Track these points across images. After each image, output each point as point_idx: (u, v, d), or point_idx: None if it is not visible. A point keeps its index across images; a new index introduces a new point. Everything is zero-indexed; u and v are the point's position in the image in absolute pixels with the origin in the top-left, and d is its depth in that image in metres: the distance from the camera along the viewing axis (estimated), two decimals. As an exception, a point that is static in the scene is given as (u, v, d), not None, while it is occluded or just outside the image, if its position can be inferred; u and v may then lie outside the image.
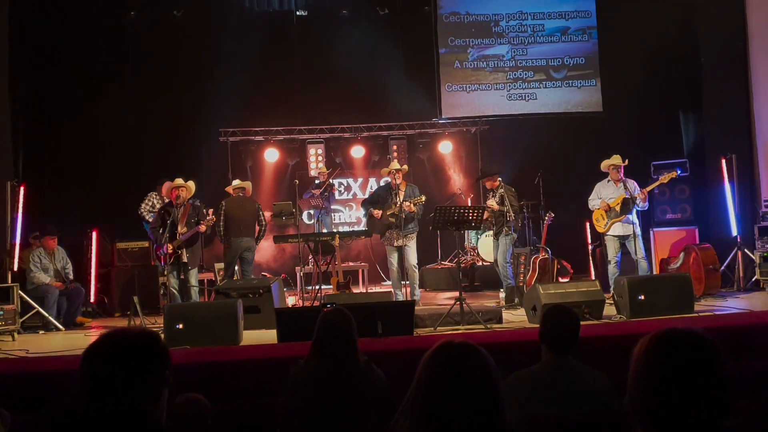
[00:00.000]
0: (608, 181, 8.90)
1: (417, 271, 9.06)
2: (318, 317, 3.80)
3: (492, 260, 9.51)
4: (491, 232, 9.42)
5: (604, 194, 8.85)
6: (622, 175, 8.74)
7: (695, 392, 1.76)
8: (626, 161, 8.81)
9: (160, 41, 12.06)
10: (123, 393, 1.93)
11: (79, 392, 1.95)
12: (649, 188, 8.74)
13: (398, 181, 8.99)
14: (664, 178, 8.71)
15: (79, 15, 11.40)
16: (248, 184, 9.90)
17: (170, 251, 8.45)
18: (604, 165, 8.92)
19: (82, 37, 11.55)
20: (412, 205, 8.78)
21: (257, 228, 9.46)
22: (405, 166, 9.47)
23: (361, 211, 9.83)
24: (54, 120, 11.29)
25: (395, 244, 8.95)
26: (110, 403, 1.90)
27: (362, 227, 12.99)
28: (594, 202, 8.97)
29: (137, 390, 1.95)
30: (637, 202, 8.53)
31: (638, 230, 8.67)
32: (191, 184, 8.84)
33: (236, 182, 9.90)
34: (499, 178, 9.10)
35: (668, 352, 1.82)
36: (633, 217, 8.67)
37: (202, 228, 8.61)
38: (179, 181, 8.76)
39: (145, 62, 11.94)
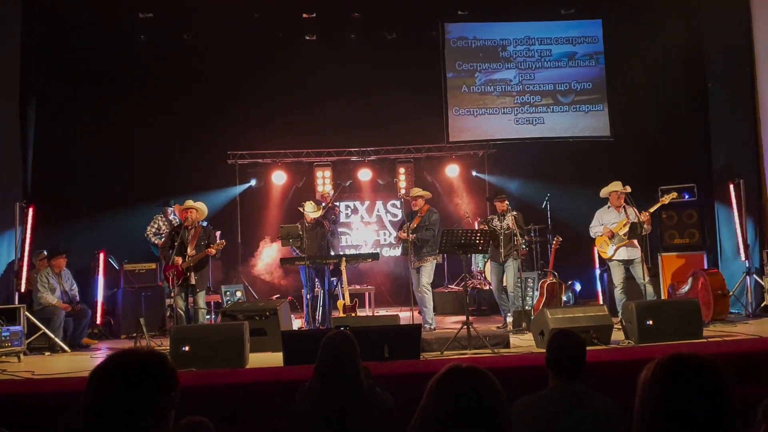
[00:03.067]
0: (608, 207, 8.89)
1: (427, 293, 8.98)
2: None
3: (493, 285, 9.43)
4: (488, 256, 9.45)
5: (605, 220, 8.84)
6: (623, 200, 8.73)
7: (701, 418, 1.74)
8: (627, 187, 8.78)
9: (169, 64, 12.18)
10: (129, 414, 1.90)
11: (84, 413, 1.93)
12: (651, 209, 8.69)
13: (416, 208, 9.15)
14: (665, 199, 8.69)
15: (89, 39, 11.54)
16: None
17: (178, 265, 8.40)
18: (604, 192, 8.94)
19: (91, 60, 11.70)
20: (404, 233, 9.01)
21: None
22: (425, 193, 9.44)
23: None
24: (63, 142, 11.38)
25: (412, 266, 9.09)
26: (115, 425, 1.88)
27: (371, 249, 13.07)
28: (596, 229, 8.95)
29: (143, 411, 1.92)
30: (644, 226, 8.50)
31: (640, 254, 8.63)
32: (203, 205, 8.86)
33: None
34: (507, 203, 9.10)
35: (674, 378, 1.81)
36: (636, 241, 8.64)
37: (212, 251, 8.60)
38: (189, 202, 8.79)
39: (155, 85, 12.06)
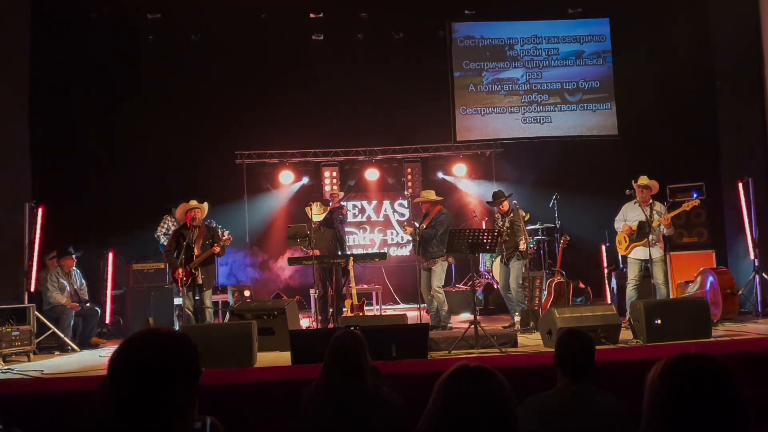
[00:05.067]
0: (635, 202, 8.68)
1: (440, 294, 8.91)
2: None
3: (500, 285, 9.41)
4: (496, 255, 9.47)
5: (629, 217, 8.69)
6: (648, 197, 8.62)
7: (710, 418, 1.74)
8: (652, 182, 8.66)
9: (177, 65, 12.22)
10: (155, 403, 1.74)
11: (107, 405, 1.76)
12: (671, 214, 8.54)
13: (425, 211, 9.22)
14: (687, 205, 8.55)
15: (98, 40, 11.61)
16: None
17: (186, 273, 8.43)
18: (635, 185, 8.73)
19: (100, 61, 11.76)
20: (410, 227, 9.19)
21: None
22: (429, 196, 9.42)
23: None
24: (72, 142, 11.44)
25: (423, 266, 9.06)
26: (141, 416, 1.73)
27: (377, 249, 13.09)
28: (619, 224, 8.83)
29: (169, 396, 1.76)
30: (661, 228, 8.44)
31: (661, 254, 8.57)
32: (205, 205, 8.88)
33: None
34: (513, 202, 9.09)
35: (682, 378, 1.80)
36: (661, 241, 8.56)
37: (216, 249, 8.60)
38: (193, 203, 8.80)
39: (163, 86, 12.11)
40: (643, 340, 7.00)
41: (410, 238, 9.49)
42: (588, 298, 10.54)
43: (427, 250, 8.94)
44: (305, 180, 13.37)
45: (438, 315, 8.89)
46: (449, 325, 8.83)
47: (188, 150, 12.02)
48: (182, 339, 1.86)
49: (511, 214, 8.98)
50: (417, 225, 9.11)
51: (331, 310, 9.39)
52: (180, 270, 8.37)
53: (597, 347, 3.53)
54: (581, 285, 10.44)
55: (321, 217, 9.67)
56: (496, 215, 9.50)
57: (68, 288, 9.25)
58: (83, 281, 9.57)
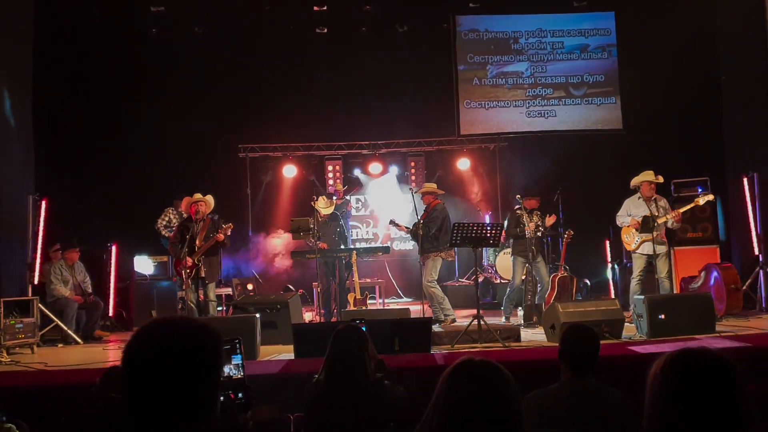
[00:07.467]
0: (639, 197, 8.64)
1: (433, 289, 8.87)
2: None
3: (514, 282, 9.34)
4: (509, 250, 9.47)
5: (634, 212, 8.63)
6: (655, 191, 8.56)
7: (712, 414, 1.73)
8: (659, 177, 8.60)
9: (180, 58, 12.19)
10: (175, 401, 1.59)
11: (119, 402, 1.63)
12: (682, 210, 8.47)
13: (425, 203, 9.17)
14: (699, 200, 8.53)
15: (102, 32, 11.58)
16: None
17: (190, 264, 8.42)
18: (636, 181, 8.68)
19: (104, 54, 11.74)
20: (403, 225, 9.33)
21: None
22: (430, 188, 9.39)
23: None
24: (75, 135, 11.44)
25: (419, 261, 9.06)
26: (159, 411, 1.59)
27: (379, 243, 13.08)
28: (623, 219, 8.76)
29: (191, 395, 1.61)
30: (669, 223, 8.41)
31: (666, 249, 8.55)
32: (210, 198, 8.84)
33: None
34: (517, 196, 9.07)
35: (683, 373, 1.79)
36: (664, 236, 8.53)
37: (221, 237, 8.48)
38: (198, 195, 8.78)
39: (166, 79, 12.07)
40: (646, 335, 7.00)
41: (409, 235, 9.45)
42: (586, 293, 10.54)
43: (423, 245, 8.89)
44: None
45: (438, 309, 8.86)
46: (450, 317, 8.80)
47: (192, 143, 12.00)
48: (203, 328, 1.69)
49: (537, 213, 8.94)
50: (418, 217, 9.06)
51: (334, 303, 9.39)
52: (188, 258, 8.37)
53: (601, 342, 3.52)
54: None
55: (330, 210, 9.66)
56: (518, 213, 9.05)
57: (72, 280, 9.27)
58: (86, 274, 9.58)
